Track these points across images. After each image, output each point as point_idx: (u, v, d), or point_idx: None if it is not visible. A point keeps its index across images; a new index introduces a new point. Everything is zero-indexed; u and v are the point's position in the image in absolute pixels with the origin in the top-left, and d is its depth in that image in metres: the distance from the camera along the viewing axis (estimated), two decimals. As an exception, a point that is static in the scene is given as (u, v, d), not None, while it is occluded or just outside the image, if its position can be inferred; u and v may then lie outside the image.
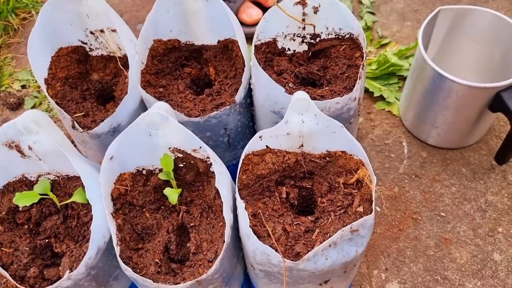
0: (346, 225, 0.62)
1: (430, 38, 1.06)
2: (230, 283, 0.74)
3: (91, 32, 0.90)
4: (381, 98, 1.20)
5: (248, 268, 0.76)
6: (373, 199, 0.64)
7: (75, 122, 0.83)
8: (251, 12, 1.31)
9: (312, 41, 0.86)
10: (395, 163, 1.10)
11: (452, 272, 0.96)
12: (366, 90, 1.21)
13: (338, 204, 0.67)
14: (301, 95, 0.65)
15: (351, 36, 0.84)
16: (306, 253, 0.62)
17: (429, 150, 1.12)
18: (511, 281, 0.94)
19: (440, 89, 0.96)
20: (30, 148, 0.70)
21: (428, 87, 0.99)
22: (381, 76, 1.21)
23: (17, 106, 1.25)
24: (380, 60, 1.19)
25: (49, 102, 1.25)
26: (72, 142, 1.06)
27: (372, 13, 1.37)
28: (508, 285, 0.94)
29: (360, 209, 0.66)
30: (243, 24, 1.31)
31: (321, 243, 0.62)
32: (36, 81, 1.29)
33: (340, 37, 0.85)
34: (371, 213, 0.63)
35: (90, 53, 0.93)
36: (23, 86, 1.31)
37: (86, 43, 0.92)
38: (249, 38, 0.92)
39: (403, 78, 1.22)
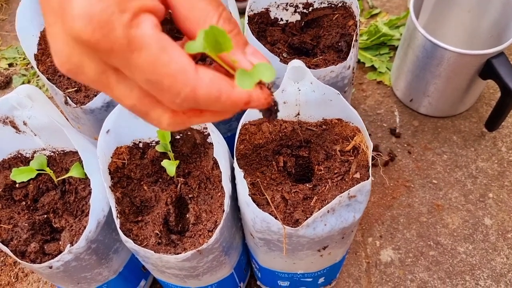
0: (344, 191, 0.63)
1: (420, 7, 1.06)
2: (230, 252, 0.75)
3: (80, 6, 0.88)
4: (373, 68, 1.20)
5: (247, 238, 0.77)
6: (370, 164, 0.65)
7: (68, 98, 0.82)
8: None
9: (304, 10, 0.86)
10: (387, 132, 1.11)
11: (445, 237, 0.98)
12: (358, 61, 1.21)
13: (335, 171, 0.68)
14: (297, 63, 0.65)
15: (344, 4, 0.83)
16: (305, 219, 0.63)
17: (421, 119, 1.13)
18: (501, 244, 0.97)
19: (431, 57, 0.96)
20: (25, 124, 0.70)
21: (420, 55, 0.99)
22: (372, 46, 1.21)
23: (5, 84, 1.23)
24: (371, 31, 1.19)
25: (38, 79, 1.23)
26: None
27: (362, -16, 1.36)
28: (498, 247, 0.96)
29: (357, 175, 0.66)
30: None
31: (319, 209, 0.63)
32: (24, 59, 1.27)
33: (332, 6, 0.84)
34: (368, 178, 0.64)
35: (79, 27, 0.92)
36: (10, 64, 1.28)
37: (75, 17, 0.90)
38: (241, 13, 0.91)
39: (394, 48, 1.22)
